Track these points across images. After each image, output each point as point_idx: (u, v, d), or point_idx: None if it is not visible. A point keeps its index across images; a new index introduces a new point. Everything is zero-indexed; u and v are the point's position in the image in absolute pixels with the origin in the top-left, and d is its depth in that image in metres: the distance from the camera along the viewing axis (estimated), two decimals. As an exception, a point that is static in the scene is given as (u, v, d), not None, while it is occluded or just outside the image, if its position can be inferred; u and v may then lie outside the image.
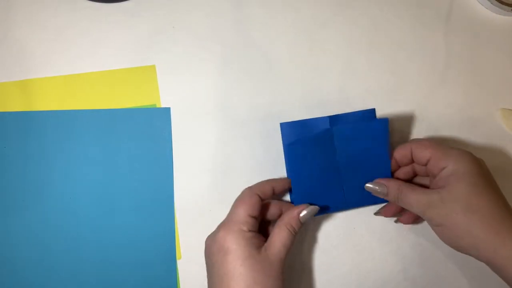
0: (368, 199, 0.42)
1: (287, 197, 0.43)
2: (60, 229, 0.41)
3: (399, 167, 0.41)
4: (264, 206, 0.39)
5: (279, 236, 0.37)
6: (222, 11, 0.45)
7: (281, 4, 0.46)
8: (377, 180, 0.40)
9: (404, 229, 0.44)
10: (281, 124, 0.42)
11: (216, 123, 0.44)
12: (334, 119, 0.43)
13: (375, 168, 0.41)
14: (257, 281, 0.34)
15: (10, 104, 0.42)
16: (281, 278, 0.36)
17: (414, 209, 0.38)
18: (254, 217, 0.37)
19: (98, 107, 0.43)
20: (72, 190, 0.42)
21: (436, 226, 0.37)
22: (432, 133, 0.45)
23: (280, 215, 0.40)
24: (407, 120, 0.45)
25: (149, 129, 0.43)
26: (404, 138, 0.45)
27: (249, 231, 0.36)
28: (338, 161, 0.40)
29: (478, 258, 0.36)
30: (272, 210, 0.40)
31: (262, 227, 0.40)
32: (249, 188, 0.39)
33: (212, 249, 0.37)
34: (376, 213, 0.43)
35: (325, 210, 0.41)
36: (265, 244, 0.37)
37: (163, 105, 0.43)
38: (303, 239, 0.43)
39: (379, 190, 0.40)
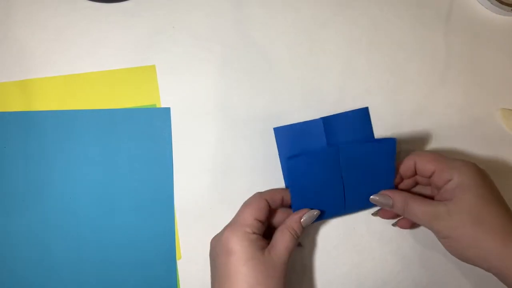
0: (368, 206, 0.42)
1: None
2: (60, 229, 0.41)
3: (402, 179, 0.41)
4: (271, 212, 0.40)
5: (281, 239, 0.37)
6: (222, 11, 0.45)
7: (281, 4, 0.46)
8: (382, 192, 0.40)
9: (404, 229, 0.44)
10: (275, 129, 0.42)
11: (216, 123, 0.44)
12: (327, 120, 0.43)
13: (378, 182, 0.40)
14: (259, 282, 0.35)
15: (10, 104, 0.42)
16: (284, 280, 0.36)
17: (421, 221, 0.38)
18: (260, 221, 0.38)
19: (98, 107, 0.43)
20: (72, 190, 0.42)
21: (443, 238, 0.37)
22: (432, 133, 0.45)
23: None
24: (407, 120, 0.45)
25: (149, 129, 0.43)
26: (404, 138, 0.45)
27: (254, 233, 0.37)
28: (342, 176, 0.39)
29: (486, 269, 0.36)
30: (279, 217, 0.40)
31: (268, 233, 0.40)
32: (259, 192, 0.40)
33: (217, 250, 0.37)
34: (374, 214, 0.43)
35: (325, 216, 0.41)
36: (268, 247, 0.37)
37: (163, 105, 0.43)
38: (303, 239, 0.43)
39: (384, 202, 0.39)
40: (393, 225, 0.44)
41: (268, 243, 0.38)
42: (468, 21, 0.48)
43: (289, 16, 0.46)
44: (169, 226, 0.42)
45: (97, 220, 0.42)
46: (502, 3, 0.47)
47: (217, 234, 0.38)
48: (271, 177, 0.43)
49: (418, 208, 0.37)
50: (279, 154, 0.43)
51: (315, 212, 0.39)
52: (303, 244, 0.43)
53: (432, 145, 0.45)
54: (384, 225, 0.44)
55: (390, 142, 0.39)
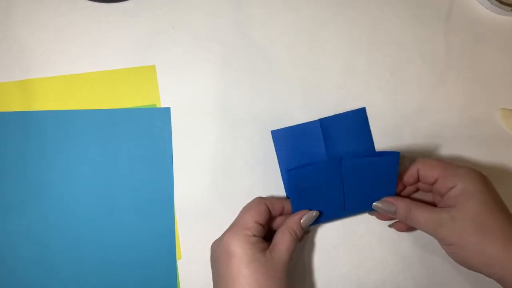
0: (368, 211, 0.42)
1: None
2: (60, 229, 0.41)
3: (405, 186, 0.41)
4: (271, 218, 0.40)
5: (282, 240, 0.37)
6: (222, 11, 0.45)
7: (281, 4, 0.46)
8: (385, 199, 0.40)
9: (404, 229, 0.44)
10: (272, 132, 0.42)
11: (216, 123, 0.44)
12: (324, 122, 0.43)
13: (380, 191, 0.40)
14: (261, 284, 0.35)
15: (10, 104, 0.42)
16: (285, 281, 0.36)
17: (424, 228, 0.38)
18: (261, 224, 0.38)
19: (98, 107, 0.43)
20: (72, 190, 0.42)
21: (447, 245, 0.37)
22: (432, 133, 0.45)
23: None
24: (407, 120, 0.45)
25: (149, 129, 0.43)
26: (404, 138, 0.45)
27: (254, 236, 0.37)
28: (343, 187, 0.39)
29: (490, 276, 0.36)
30: (279, 220, 0.41)
31: (269, 236, 0.40)
32: (260, 197, 0.40)
33: (217, 253, 0.37)
34: (370, 213, 0.43)
35: (324, 220, 0.41)
36: (269, 248, 0.37)
37: (163, 105, 0.43)
38: (303, 239, 0.43)
39: (387, 209, 0.39)
40: (389, 226, 0.44)
41: (268, 244, 0.38)
42: (468, 21, 0.48)
43: (289, 16, 0.46)
44: (169, 226, 0.42)
45: (97, 220, 0.42)
46: (502, 3, 0.47)
47: (218, 238, 0.38)
48: (271, 177, 0.43)
49: (421, 215, 0.37)
50: (278, 157, 0.43)
51: (314, 213, 0.39)
52: (304, 244, 0.43)
53: (432, 145, 0.45)
54: (384, 225, 0.44)
55: (394, 156, 0.39)
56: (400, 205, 0.39)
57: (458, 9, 0.48)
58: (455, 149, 0.46)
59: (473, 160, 0.46)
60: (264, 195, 0.42)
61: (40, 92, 0.42)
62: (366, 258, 0.44)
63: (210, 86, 0.44)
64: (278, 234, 0.38)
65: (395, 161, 0.39)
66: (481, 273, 0.36)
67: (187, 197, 0.43)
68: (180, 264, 0.42)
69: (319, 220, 0.40)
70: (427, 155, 0.45)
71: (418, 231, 0.44)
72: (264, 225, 0.38)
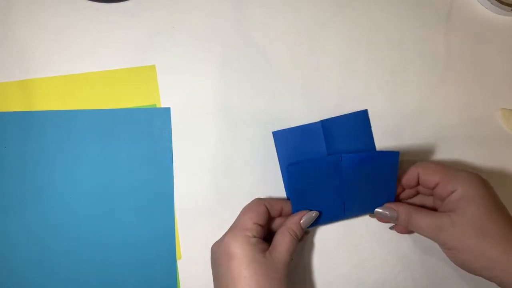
0: (368, 212, 0.42)
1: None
2: (60, 229, 0.41)
3: (404, 189, 0.42)
4: (270, 219, 0.40)
5: (282, 241, 0.37)
6: (222, 11, 0.45)
7: (281, 4, 0.46)
8: (386, 205, 0.40)
9: (404, 229, 0.44)
10: (274, 133, 0.42)
11: (216, 123, 0.44)
12: (326, 123, 0.43)
13: (380, 192, 0.40)
14: (261, 284, 0.35)
15: (10, 104, 0.42)
16: (285, 281, 0.36)
17: (425, 233, 0.38)
18: (260, 225, 0.38)
19: (98, 107, 0.43)
20: (72, 190, 0.42)
21: (448, 250, 0.37)
22: (432, 133, 0.45)
23: None
24: (407, 120, 0.45)
25: (149, 129, 0.43)
26: (404, 138, 0.45)
27: (254, 237, 0.37)
28: (343, 184, 0.39)
29: (490, 279, 0.36)
30: (278, 221, 0.41)
31: (269, 237, 0.40)
32: (259, 198, 0.40)
33: (218, 255, 0.37)
34: (371, 216, 0.43)
35: (324, 221, 0.41)
36: (269, 249, 0.37)
37: (163, 105, 0.43)
38: (303, 240, 0.43)
39: (389, 215, 0.40)
40: (391, 228, 0.44)
41: (268, 245, 0.38)
42: (468, 21, 0.48)
43: (289, 16, 0.46)
44: (169, 226, 0.42)
45: (97, 220, 0.42)
46: (502, 3, 0.47)
47: (218, 240, 0.38)
48: (271, 177, 0.43)
49: (422, 220, 0.37)
50: (279, 158, 0.43)
51: (314, 214, 0.39)
52: (304, 244, 0.43)
53: (432, 145, 0.45)
54: (384, 225, 0.44)
55: (393, 155, 0.39)
56: (401, 211, 0.39)
57: (458, 9, 0.48)
58: (455, 149, 0.46)
59: (473, 160, 0.46)
60: (264, 196, 0.42)
61: (40, 92, 0.42)
62: (366, 258, 0.44)
63: (210, 86, 0.44)
64: (278, 235, 0.38)
65: (395, 159, 0.39)
66: (481, 276, 0.37)
67: (187, 197, 0.43)
68: (180, 264, 0.42)
69: (319, 221, 0.40)
70: (427, 155, 0.45)
71: (418, 231, 0.44)
72: (264, 226, 0.38)
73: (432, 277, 0.44)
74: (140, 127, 0.43)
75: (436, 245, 0.39)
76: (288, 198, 0.43)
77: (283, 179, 0.43)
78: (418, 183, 0.40)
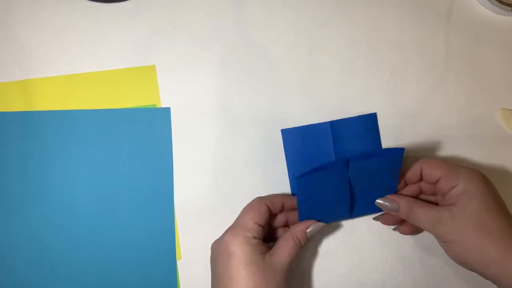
0: (372, 212, 0.42)
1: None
2: (60, 229, 0.41)
3: (407, 184, 0.42)
4: (271, 216, 0.40)
5: (284, 246, 0.37)
6: (222, 11, 0.45)
7: (281, 4, 0.46)
8: (388, 196, 0.40)
9: (404, 229, 0.44)
10: (282, 131, 0.42)
11: (216, 123, 0.44)
12: (335, 124, 0.43)
13: (383, 188, 0.40)
14: (258, 286, 0.35)
15: (10, 104, 0.42)
16: (283, 286, 0.36)
17: (424, 225, 0.38)
18: (261, 226, 0.38)
19: (98, 107, 0.43)
20: (72, 190, 0.42)
21: (445, 242, 0.37)
22: (432, 133, 0.45)
23: (285, 223, 0.41)
24: (407, 120, 0.45)
25: (149, 129, 0.43)
26: (404, 138, 0.45)
27: (254, 238, 0.37)
28: (350, 186, 0.39)
29: (484, 275, 0.36)
30: (279, 218, 0.41)
31: (269, 236, 0.41)
32: (260, 197, 0.40)
33: (217, 253, 0.37)
34: (375, 219, 0.43)
35: (330, 221, 0.41)
36: (270, 251, 0.37)
37: (163, 105, 0.43)
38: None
39: (390, 206, 0.40)
40: (394, 229, 0.44)
41: (268, 247, 0.38)
42: (468, 21, 0.47)
43: (289, 16, 0.46)
44: (169, 226, 0.42)
45: (97, 220, 0.42)
46: (502, 3, 0.47)
47: (218, 238, 0.38)
48: (271, 177, 0.43)
49: (422, 212, 0.38)
50: (286, 156, 0.43)
51: (322, 225, 0.39)
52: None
53: (432, 145, 0.45)
54: (384, 225, 0.44)
55: (398, 152, 0.39)
56: (402, 202, 0.39)
57: (458, 9, 0.48)
58: (455, 149, 0.46)
59: (473, 160, 0.46)
60: (264, 195, 0.42)
61: (40, 92, 0.42)
62: (366, 258, 0.44)
63: (210, 86, 0.44)
64: (281, 240, 0.38)
65: (400, 156, 0.39)
66: (477, 272, 0.37)
67: (187, 197, 0.43)
68: (180, 264, 0.42)
69: (324, 221, 0.40)
70: (427, 155, 0.45)
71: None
72: (264, 226, 0.38)
73: (432, 277, 0.44)
74: (140, 127, 0.43)
75: (436, 245, 0.39)
76: (292, 194, 0.43)
77: (289, 177, 0.43)
78: (421, 179, 0.40)
